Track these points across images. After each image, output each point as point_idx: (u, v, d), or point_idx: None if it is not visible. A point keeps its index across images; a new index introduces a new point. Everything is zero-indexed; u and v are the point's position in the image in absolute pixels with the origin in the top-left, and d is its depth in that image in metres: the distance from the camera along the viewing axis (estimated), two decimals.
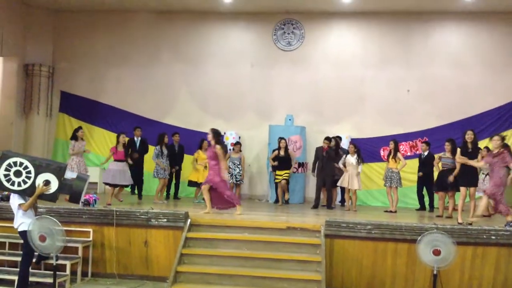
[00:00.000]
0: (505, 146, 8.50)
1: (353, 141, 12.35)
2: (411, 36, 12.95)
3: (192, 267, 7.44)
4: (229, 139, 12.70)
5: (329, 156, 10.95)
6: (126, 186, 10.68)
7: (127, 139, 10.62)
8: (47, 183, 6.46)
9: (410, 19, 12.87)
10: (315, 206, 10.90)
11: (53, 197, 6.60)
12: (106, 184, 10.43)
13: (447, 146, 9.80)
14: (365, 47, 13.14)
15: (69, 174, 7.21)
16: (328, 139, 11.17)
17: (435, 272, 6.53)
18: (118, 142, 10.26)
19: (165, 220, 8.10)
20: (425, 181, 10.94)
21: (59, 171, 6.58)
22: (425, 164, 10.97)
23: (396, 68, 12.89)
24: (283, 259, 7.47)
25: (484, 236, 7.51)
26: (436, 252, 6.39)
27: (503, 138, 8.50)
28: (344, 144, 12.06)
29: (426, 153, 11.06)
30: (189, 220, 8.03)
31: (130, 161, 10.38)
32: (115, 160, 10.09)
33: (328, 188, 11.07)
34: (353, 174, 10.54)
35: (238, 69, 13.41)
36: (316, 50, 13.25)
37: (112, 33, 13.81)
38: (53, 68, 13.85)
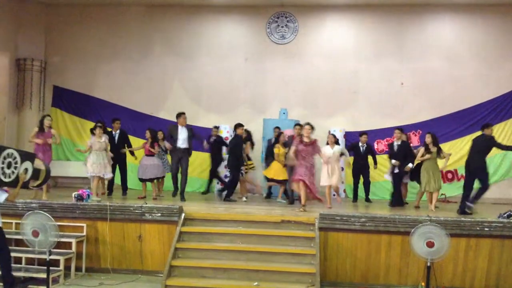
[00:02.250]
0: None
1: (347, 134, 12.41)
2: (405, 29, 12.93)
3: (187, 261, 7.46)
4: (223, 133, 12.64)
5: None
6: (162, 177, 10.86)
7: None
8: (26, 171, 6.46)
9: (404, 11, 12.85)
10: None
11: (27, 184, 6.62)
12: (143, 180, 10.50)
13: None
14: (358, 40, 13.12)
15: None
16: (299, 124, 10.18)
17: (428, 264, 6.56)
18: (152, 138, 10.43)
19: (159, 214, 8.09)
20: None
21: (33, 158, 6.69)
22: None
23: (390, 61, 12.87)
24: (277, 252, 7.49)
25: (477, 228, 7.55)
26: (430, 244, 6.42)
27: (312, 127, 8.92)
28: (339, 137, 12.01)
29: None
30: (183, 215, 8.04)
31: (111, 154, 10.18)
32: (147, 155, 10.39)
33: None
34: (334, 168, 9.70)
35: (232, 63, 13.35)
36: (310, 43, 13.21)
37: (104, 27, 13.70)
38: (45, 62, 13.72)
